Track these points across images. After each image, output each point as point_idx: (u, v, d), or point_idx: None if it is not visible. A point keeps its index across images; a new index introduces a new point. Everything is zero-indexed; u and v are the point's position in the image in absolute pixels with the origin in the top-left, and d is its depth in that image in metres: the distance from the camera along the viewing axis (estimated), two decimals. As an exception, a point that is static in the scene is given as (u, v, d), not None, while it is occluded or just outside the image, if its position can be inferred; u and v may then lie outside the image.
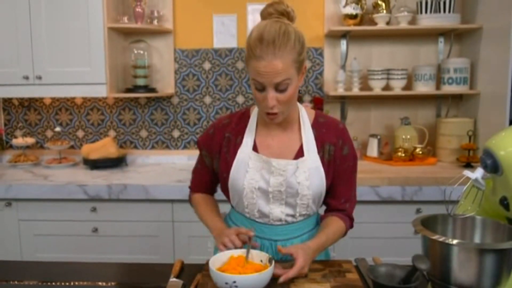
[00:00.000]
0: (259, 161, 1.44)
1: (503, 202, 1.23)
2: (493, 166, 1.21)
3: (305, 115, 1.50)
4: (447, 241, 1.16)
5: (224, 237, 1.36)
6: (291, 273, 1.24)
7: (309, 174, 1.42)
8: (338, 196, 1.51)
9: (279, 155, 1.45)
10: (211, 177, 1.60)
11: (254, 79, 1.32)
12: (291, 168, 1.42)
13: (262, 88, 1.32)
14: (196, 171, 1.64)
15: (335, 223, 1.49)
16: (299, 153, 1.45)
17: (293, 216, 1.47)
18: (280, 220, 1.47)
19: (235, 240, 1.33)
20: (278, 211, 1.46)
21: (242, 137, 1.48)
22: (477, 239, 1.31)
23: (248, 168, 1.44)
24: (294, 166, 1.42)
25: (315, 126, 1.49)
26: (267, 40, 1.27)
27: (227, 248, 1.33)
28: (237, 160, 1.46)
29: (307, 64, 1.41)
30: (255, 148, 1.47)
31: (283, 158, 1.44)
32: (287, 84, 1.31)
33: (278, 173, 1.42)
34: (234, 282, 1.15)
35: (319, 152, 1.45)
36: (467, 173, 1.25)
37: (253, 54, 1.29)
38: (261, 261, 1.30)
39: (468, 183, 1.30)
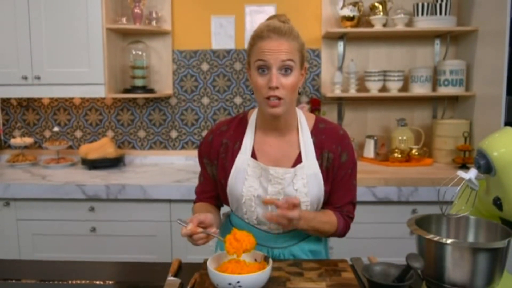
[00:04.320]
0: (258, 169, 1.43)
1: (496, 202, 1.24)
2: (487, 167, 1.23)
3: (304, 121, 1.48)
4: (441, 241, 1.17)
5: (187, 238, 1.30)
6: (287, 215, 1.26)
7: (307, 180, 1.41)
8: (334, 202, 1.50)
9: (277, 162, 1.44)
10: (215, 189, 1.54)
11: (259, 59, 1.33)
12: (289, 176, 1.41)
13: (266, 69, 1.33)
14: (198, 187, 1.59)
15: (328, 214, 1.48)
16: (298, 160, 1.44)
17: None
18: (278, 228, 1.47)
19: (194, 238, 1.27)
20: None
21: (240, 143, 1.47)
22: (470, 239, 1.33)
23: (246, 176, 1.43)
24: (292, 174, 1.41)
25: (315, 132, 1.47)
26: (273, 26, 1.33)
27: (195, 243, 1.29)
28: (235, 167, 1.44)
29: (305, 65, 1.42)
30: (253, 155, 1.45)
31: (281, 165, 1.43)
32: (292, 67, 1.33)
33: (276, 182, 1.41)
34: (238, 282, 1.16)
35: (318, 159, 1.44)
36: (461, 173, 1.27)
37: (259, 37, 1.33)
38: (255, 260, 1.31)
39: (462, 184, 1.31)
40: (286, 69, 1.32)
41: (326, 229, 1.47)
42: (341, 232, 1.52)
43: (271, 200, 1.32)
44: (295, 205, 1.29)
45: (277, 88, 1.31)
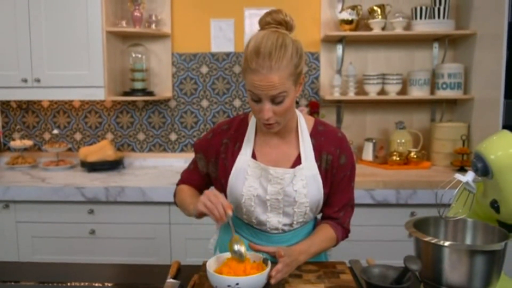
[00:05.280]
0: (258, 169, 1.44)
1: (494, 205, 1.25)
2: (484, 170, 1.23)
3: (303, 123, 1.49)
4: (439, 243, 1.18)
5: (204, 197, 1.31)
6: (277, 270, 1.25)
7: (307, 182, 1.42)
8: (333, 204, 1.51)
9: (277, 164, 1.45)
10: (201, 180, 1.59)
11: (250, 90, 1.31)
12: (288, 176, 1.42)
13: (258, 100, 1.31)
14: (186, 172, 1.64)
15: (324, 231, 1.49)
16: (297, 162, 1.45)
17: (290, 225, 1.48)
18: (277, 229, 1.48)
19: (216, 203, 1.28)
20: (275, 220, 1.46)
21: (241, 144, 1.48)
22: (468, 241, 1.34)
23: (247, 176, 1.44)
24: (291, 174, 1.42)
25: (314, 134, 1.48)
26: (263, 54, 1.26)
27: (208, 208, 1.29)
28: (235, 167, 1.46)
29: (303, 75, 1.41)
30: (253, 156, 1.47)
31: (280, 166, 1.44)
32: (283, 97, 1.30)
33: (275, 181, 1.42)
34: (237, 284, 1.16)
35: (317, 161, 1.45)
36: (458, 176, 1.28)
37: (249, 67, 1.29)
38: (254, 262, 1.32)
39: (460, 186, 1.32)
40: (278, 101, 1.31)
41: (327, 246, 1.49)
42: (342, 239, 1.55)
43: (258, 248, 1.33)
44: (280, 255, 1.28)
45: (270, 118, 1.33)
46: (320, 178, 1.45)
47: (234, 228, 1.34)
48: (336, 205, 1.51)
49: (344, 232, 1.54)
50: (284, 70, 1.27)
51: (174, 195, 1.63)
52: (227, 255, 1.33)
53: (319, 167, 1.45)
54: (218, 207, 1.28)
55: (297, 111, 1.51)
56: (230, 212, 1.28)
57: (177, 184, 1.65)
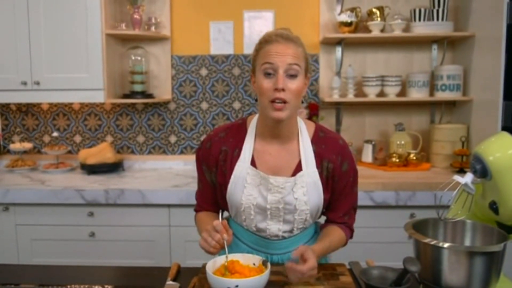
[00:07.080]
0: (257, 177, 1.43)
1: (492, 206, 1.25)
2: (482, 171, 1.24)
3: (304, 129, 1.48)
4: (438, 244, 1.18)
5: (204, 232, 1.31)
6: (304, 268, 1.23)
7: (307, 189, 1.42)
8: (337, 210, 1.51)
9: (277, 171, 1.44)
10: (215, 195, 1.54)
11: (266, 62, 1.33)
12: (289, 185, 1.41)
13: (272, 72, 1.33)
14: (198, 193, 1.59)
15: (338, 232, 1.49)
16: (298, 169, 1.44)
17: (290, 231, 1.48)
18: (277, 236, 1.48)
19: (215, 236, 1.28)
20: (275, 228, 1.46)
21: (240, 150, 1.46)
22: (467, 242, 1.34)
23: (246, 184, 1.43)
24: (292, 183, 1.41)
25: (315, 141, 1.47)
26: (280, 32, 1.37)
27: (208, 243, 1.28)
28: (234, 175, 1.44)
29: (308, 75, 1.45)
30: (252, 163, 1.45)
31: (281, 174, 1.43)
32: (297, 72, 1.34)
33: (276, 190, 1.41)
34: (237, 286, 1.16)
35: (318, 168, 1.45)
36: (457, 178, 1.28)
37: (267, 41, 1.36)
38: (254, 264, 1.32)
39: (458, 188, 1.32)
40: (292, 74, 1.33)
41: (339, 246, 1.52)
42: (349, 240, 1.56)
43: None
44: (306, 259, 1.25)
45: (283, 90, 1.31)
46: (320, 185, 1.44)
47: (227, 252, 1.31)
48: (341, 211, 1.51)
49: (350, 233, 1.56)
50: (299, 48, 1.37)
51: (196, 224, 1.59)
52: (224, 257, 1.33)
53: (320, 174, 1.45)
54: (213, 244, 1.28)
55: (298, 118, 1.50)
56: (225, 236, 1.28)
57: (195, 210, 1.61)
